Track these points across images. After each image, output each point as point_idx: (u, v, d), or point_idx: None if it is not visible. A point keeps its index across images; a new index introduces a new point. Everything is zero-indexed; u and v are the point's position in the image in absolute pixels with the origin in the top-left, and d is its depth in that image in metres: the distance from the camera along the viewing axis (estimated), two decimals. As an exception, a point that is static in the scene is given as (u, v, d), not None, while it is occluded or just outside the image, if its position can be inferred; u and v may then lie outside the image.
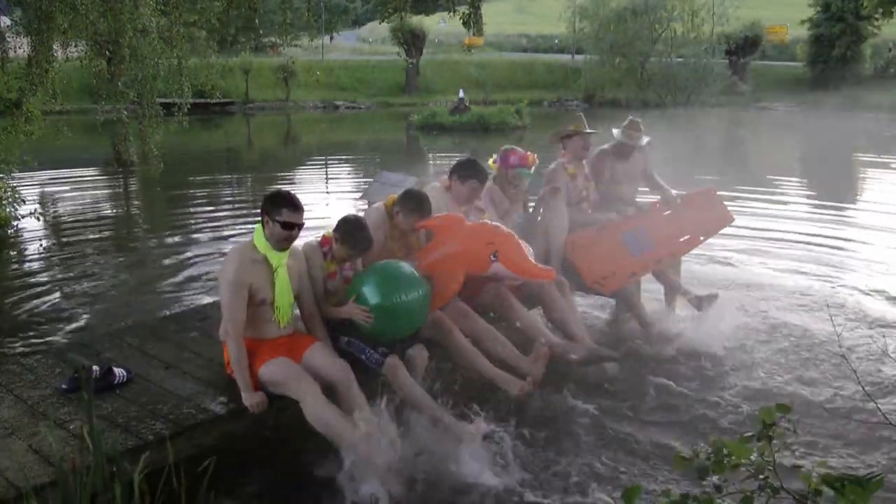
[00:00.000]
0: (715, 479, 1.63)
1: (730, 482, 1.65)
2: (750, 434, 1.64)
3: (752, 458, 1.58)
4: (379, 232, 3.87)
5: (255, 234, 3.38)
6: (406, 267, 3.67)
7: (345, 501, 3.09)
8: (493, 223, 4.05)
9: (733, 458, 1.57)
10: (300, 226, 3.35)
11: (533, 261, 3.94)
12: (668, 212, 5.16)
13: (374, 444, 3.12)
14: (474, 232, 3.93)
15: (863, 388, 3.84)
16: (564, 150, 5.05)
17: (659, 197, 5.25)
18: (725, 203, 5.36)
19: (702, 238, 5.18)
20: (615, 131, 5.20)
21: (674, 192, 5.23)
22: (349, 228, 3.64)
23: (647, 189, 5.41)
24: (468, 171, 4.29)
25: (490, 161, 4.65)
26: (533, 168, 4.64)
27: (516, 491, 3.21)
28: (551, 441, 3.63)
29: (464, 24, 7.41)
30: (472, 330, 3.97)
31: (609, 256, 4.80)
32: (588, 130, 4.98)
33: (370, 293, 3.52)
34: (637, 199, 5.37)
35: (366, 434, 3.10)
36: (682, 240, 5.11)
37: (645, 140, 5.17)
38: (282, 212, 3.29)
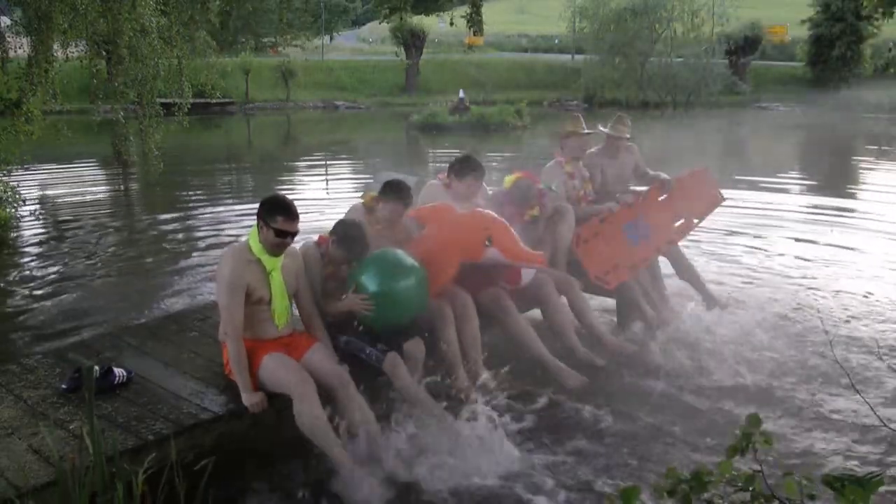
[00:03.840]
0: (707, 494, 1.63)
1: (720, 495, 1.65)
2: (734, 445, 1.64)
3: (735, 472, 1.58)
4: None
5: (251, 235, 3.39)
6: (402, 253, 3.69)
7: (344, 502, 3.09)
8: (486, 211, 4.07)
9: (716, 478, 1.56)
10: (294, 234, 3.35)
11: (524, 247, 3.96)
12: (663, 196, 5.19)
13: (358, 464, 3.16)
14: (468, 219, 3.96)
15: (857, 391, 3.84)
16: (562, 150, 5.07)
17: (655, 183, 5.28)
18: (717, 185, 5.39)
19: (695, 221, 5.22)
20: (602, 128, 5.25)
21: (665, 175, 5.27)
22: (346, 232, 3.66)
23: (642, 185, 5.44)
24: (464, 168, 4.31)
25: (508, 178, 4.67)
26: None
27: (514, 490, 3.21)
28: (550, 442, 3.63)
29: (468, 25, 7.43)
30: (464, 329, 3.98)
31: (612, 249, 4.83)
32: (585, 131, 5.00)
33: (368, 280, 3.54)
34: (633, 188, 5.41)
35: (347, 460, 3.15)
36: (676, 225, 5.14)
37: (626, 136, 5.21)
38: (277, 219, 3.28)
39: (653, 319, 4.90)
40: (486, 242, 3.85)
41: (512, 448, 3.43)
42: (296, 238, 3.42)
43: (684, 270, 5.35)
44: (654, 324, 4.87)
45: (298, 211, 3.38)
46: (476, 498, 3.15)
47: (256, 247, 3.35)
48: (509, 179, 4.64)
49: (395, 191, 3.94)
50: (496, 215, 4.03)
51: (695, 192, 5.22)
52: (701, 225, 5.54)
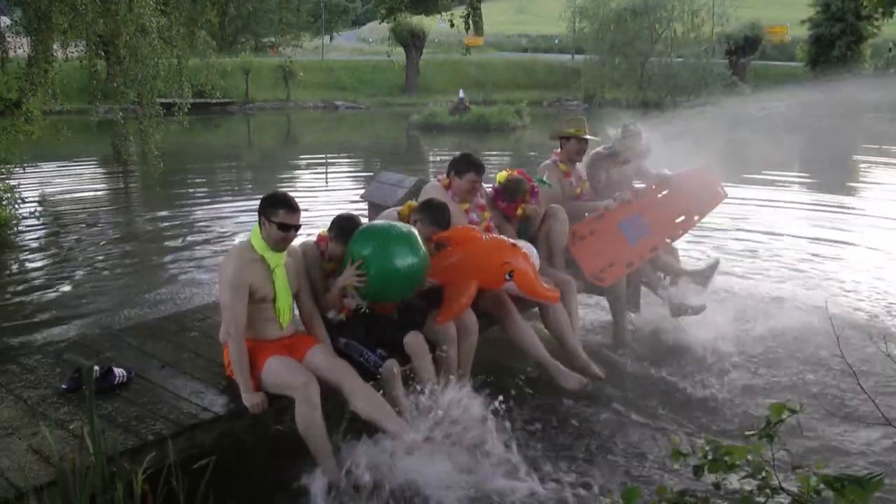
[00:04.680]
0: (713, 477, 1.63)
1: (728, 481, 1.65)
2: (752, 433, 1.64)
3: (749, 458, 1.59)
4: None
5: (252, 234, 3.39)
6: (393, 222, 3.67)
7: (344, 501, 3.09)
8: (511, 240, 4.05)
9: (729, 458, 1.57)
10: (297, 227, 3.35)
11: (542, 283, 3.95)
12: (663, 192, 5.17)
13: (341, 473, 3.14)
14: (492, 249, 3.93)
15: (861, 388, 3.84)
16: (560, 150, 5.06)
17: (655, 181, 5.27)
18: (720, 181, 5.37)
19: (696, 218, 5.19)
20: (612, 133, 5.20)
21: (668, 171, 5.24)
22: (343, 226, 3.65)
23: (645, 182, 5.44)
24: (465, 164, 4.31)
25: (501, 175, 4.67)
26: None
27: (514, 492, 3.20)
28: (550, 442, 3.63)
29: (465, 26, 7.39)
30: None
31: (608, 247, 4.83)
32: (587, 136, 4.98)
33: (360, 247, 3.50)
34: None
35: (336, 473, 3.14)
36: (677, 221, 5.13)
37: (644, 143, 5.16)
38: (278, 213, 3.29)
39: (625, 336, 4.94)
40: (507, 277, 3.84)
41: (509, 452, 3.42)
42: (298, 232, 3.42)
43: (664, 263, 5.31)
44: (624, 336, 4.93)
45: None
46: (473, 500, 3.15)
47: (259, 245, 3.35)
48: (501, 176, 4.64)
49: (436, 215, 3.93)
50: (517, 244, 4.00)
51: (696, 189, 5.19)
52: (705, 220, 5.55)
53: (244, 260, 3.32)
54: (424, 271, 3.60)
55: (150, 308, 5.65)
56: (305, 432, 3.19)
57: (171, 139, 10.75)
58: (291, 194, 3.45)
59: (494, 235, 4.13)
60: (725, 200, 5.45)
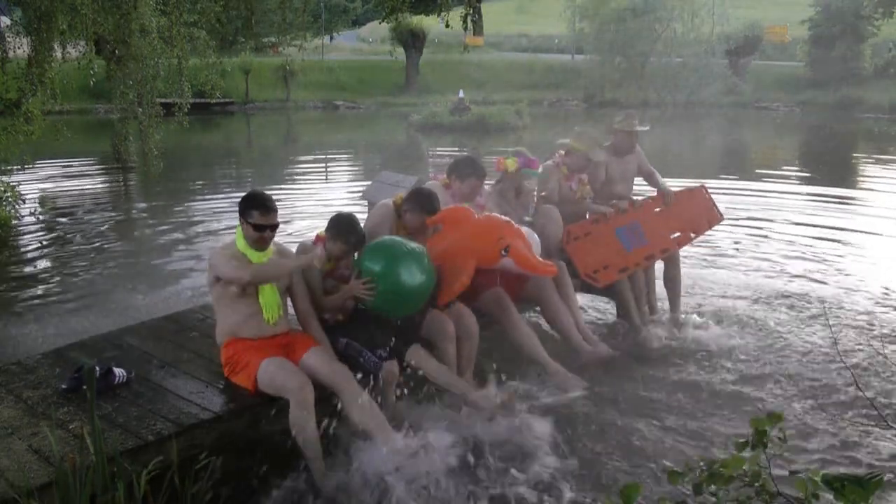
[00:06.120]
0: (713, 487, 1.63)
1: (726, 489, 1.65)
2: (744, 441, 1.64)
3: (745, 468, 1.58)
4: (384, 227, 3.89)
5: (237, 233, 3.42)
6: (407, 239, 3.67)
7: (345, 500, 3.09)
8: (504, 217, 4.05)
9: (726, 470, 1.56)
10: (273, 227, 3.37)
11: (538, 258, 3.95)
12: (658, 209, 5.18)
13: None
14: (485, 226, 3.93)
15: (860, 389, 3.84)
16: (564, 155, 5.04)
17: (655, 193, 5.27)
18: (715, 202, 5.39)
19: (692, 235, 5.21)
20: (614, 125, 5.21)
21: (670, 189, 5.26)
22: (341, 224, 3.65)
23: (646, 184, 5.44)
24: (467, 169, 4.32)
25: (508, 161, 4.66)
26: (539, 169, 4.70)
27: (514, 490, 3.20)
28: (548, 445, 3.62)
29: (462, 25, 7.37)
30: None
31: (602, 250, 4.84)
32: (597, 157, 4.95)
33: (371, 262, 3.51)
34: (632, 195, 5.37)
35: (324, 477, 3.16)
36: (673, 237, 5.14)
37: (644, 127, 5.20)
38: (252, 214, 3.32)
39: (639, 326, 4.93)
40: (503, 252, 3.84)
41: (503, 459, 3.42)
42: (300, 238, 3.42)
43: (669, 279, 5.30)
44: (642, 328, 4.91)
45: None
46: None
47: (241, 243, 3.39)
48: (511, 161, 4.64)
49: (423, 202, 3.92)
50: (511, 221, 4.00)
51: (692, 210, 5.23)
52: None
53: (229, 255, 3.35)
54: (431, 289, 3.61)
55: (150, 308, 5.64)
56: (298, 435, 3.18)
57: (171, 139, 10.74)
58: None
59: (487, 213, 4.12)
60: (721, 222, 5.46)
